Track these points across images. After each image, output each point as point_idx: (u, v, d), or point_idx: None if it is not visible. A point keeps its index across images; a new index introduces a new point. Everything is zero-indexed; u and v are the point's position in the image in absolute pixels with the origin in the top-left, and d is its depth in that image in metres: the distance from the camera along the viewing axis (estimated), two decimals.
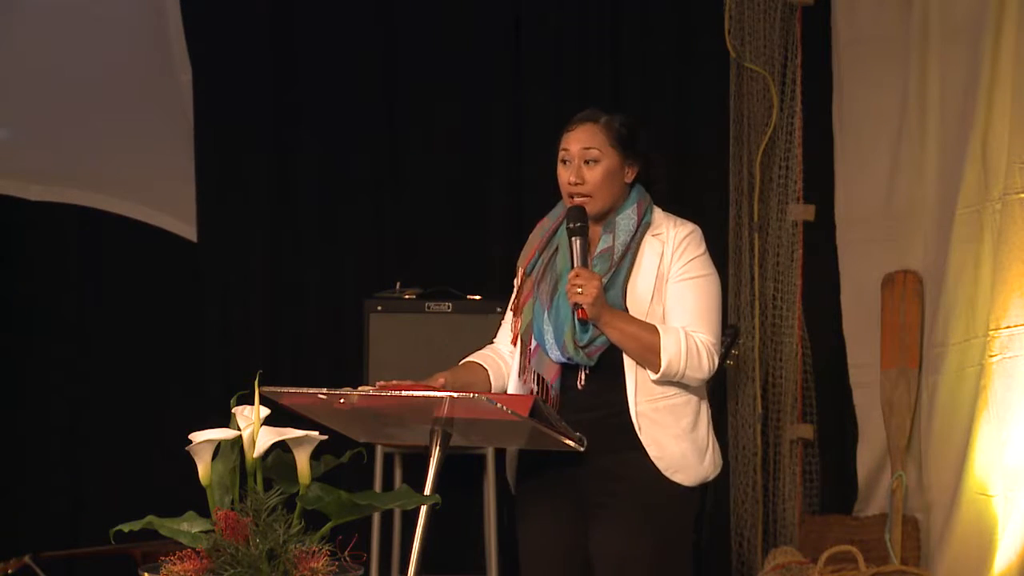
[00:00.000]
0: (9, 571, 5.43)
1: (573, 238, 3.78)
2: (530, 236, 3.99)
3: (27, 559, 5.47)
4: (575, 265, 3.76)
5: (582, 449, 3.58)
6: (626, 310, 3.78)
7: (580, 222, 3.79)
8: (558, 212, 3.94)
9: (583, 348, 3.75)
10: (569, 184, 3.82)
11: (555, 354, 3.79)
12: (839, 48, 5.91)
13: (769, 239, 5.90)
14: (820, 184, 5.90)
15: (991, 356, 5.29)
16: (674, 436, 3.78)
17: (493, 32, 6.16)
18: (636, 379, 3.77)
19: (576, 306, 3.73)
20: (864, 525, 5.65)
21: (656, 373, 3.74)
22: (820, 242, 5.90)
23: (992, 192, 5.36)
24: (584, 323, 3.73)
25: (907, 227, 5.74)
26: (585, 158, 3.82)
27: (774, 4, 5.86)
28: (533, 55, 6.15)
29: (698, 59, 6.04)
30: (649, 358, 3.74)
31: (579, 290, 3.71)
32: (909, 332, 5.66)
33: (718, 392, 5.76)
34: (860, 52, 5.86)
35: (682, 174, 5.85)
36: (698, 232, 3.87)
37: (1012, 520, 5.21)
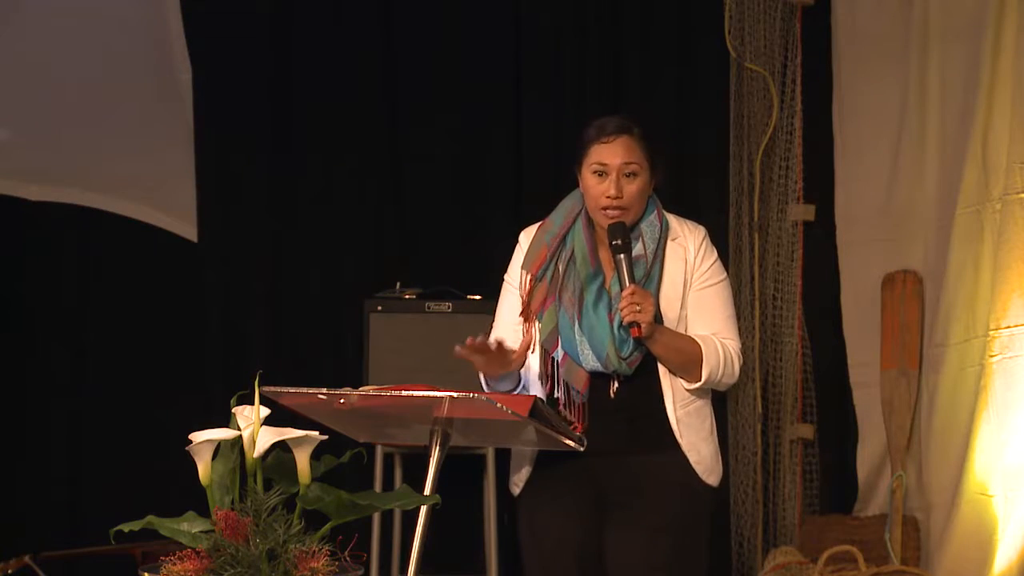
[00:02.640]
0: (9, 571, 5.43)
1: (619, 255, 3.77)
2: (532, 240, 3.94)
3: (27, 559, 5.46)
4: (626, 282, 3.75)
5: (582, 449, 3.59)
6: (661, 316, 3.80)
7: (624, 239, 3.79)
8: (562, 214, 3.92)
9: (625, 359, 3.78)
10: (607, 198, 3.80)
11: (590, 364, 3.80)
12: (839, 48, 5.91)
13: (769, 239, 5.90)
14: (820, 184, 5.90)
15: (991, 356, 5.29)
16: (703, 439, 3.86)
17: (493, 32, 6.16)
18: (671, 385, 3.82)
19: (632, 324, 3.73)
20: (864, 525, 5.64)
21: (694, 383, 3.80)
22: (820, 242, 5.90)
23: (992, 192, 5.36)
24: (637, 340, 3.75)
25: (907, 227, 5.74)
26: (626, 171, 3.81)
27: (774, 4, 5.86)
28: (533, 55, 6.15)
29: (698, 59, 6.04)
30: (690, 369, 3.80)
31: (638, 308, 3.72)
32: (909, 332, 5.66)
33: (717, 392, 5.75)
34: (860, 52, 5.86)
35: (682, 174, 5.85)
36: (707, 234, 3.93)
37: (1012, 520, 5.21)
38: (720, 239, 5.80)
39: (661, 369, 3.81)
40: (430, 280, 5.94)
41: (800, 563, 5.43)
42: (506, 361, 3.77)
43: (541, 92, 6.12)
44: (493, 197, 6.16)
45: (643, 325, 3.72)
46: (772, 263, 5.89)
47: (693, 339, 3.80)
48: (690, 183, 5.92)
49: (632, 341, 3.75)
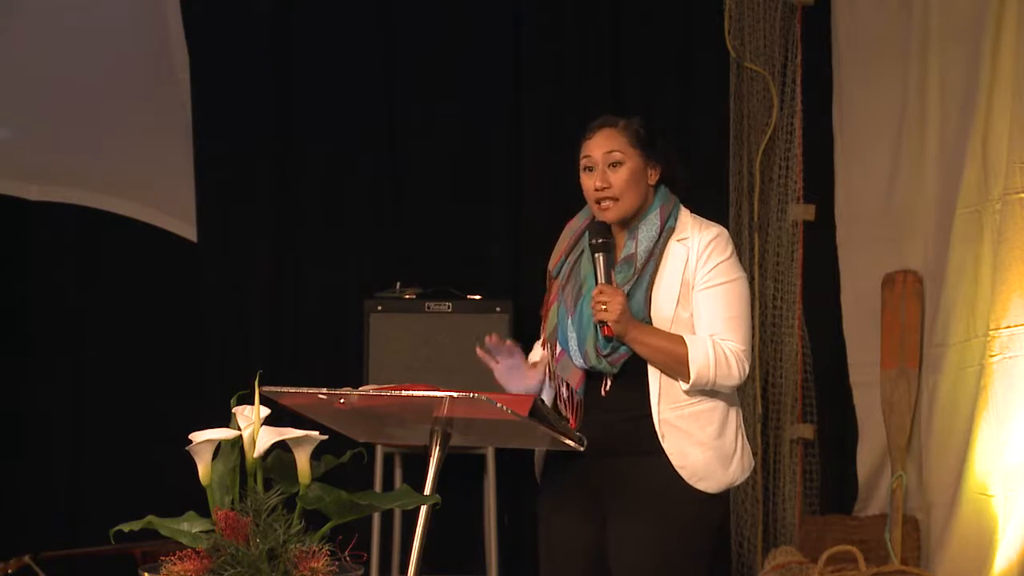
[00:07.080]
0: (9, 571, 5.43)
1: (596, 254, 3.78)
2: (560, 237, 3.98)
3: (27, 559, 5.47)
4: (599, 281, 3.76)
5: (582, 449, 3.58)
6: (649, 317, 3.77)
7: (603, 237, 3.79)
8: (586, 210, 3.93)
9: (606, 357, 3.75)
10: (595, 190, 3.80)
11: (579, 361, 3.79)
12: (839, 48, 5.91)
13: (769, 239, 5.91)
14: (820, 184, 5.90)
15: (991, 356, 5.30)
16: (698, 443, 3.76)
17: (493, 32, 6.16)
18: (660, 386, 3.76)
19: (601, 323, 3.72)
20: (864, 525, 5.65)
21: (687, 383, 3.74)
22: (820, 242, 5.90)
23: (992, 192, 5.36)
24: (609, 339, 3.73)
25: (907, 227, 5.75)
26: (609, 161, 3.80)
27: (774, 4, 5.87)
28: (533, 55, 6.15)
29: (698, 59, 6.05)
30: (678, 369, 3.74)
31: (604, 307, 3.71)
32: (909, 332, 5.67)
33: None
34: (860, 52, 5.87)
35: None
36: (724, 236, 3.86)
37: (1012, 520, 5.21)
38: None
39: (652, 369, 3.76)
40: (430, 280, 5.94)
41: (800, 563, 5.43)
42: (522, 373, 3.82)
43: (541, 92, 6.12)
44: (493, 197, 6.16)
45: (610, 324, 3.71)
46: (772, 263, 5.90)
47: (679, 338, 3.74)
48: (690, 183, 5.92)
49: (614, 339, 3.74)
